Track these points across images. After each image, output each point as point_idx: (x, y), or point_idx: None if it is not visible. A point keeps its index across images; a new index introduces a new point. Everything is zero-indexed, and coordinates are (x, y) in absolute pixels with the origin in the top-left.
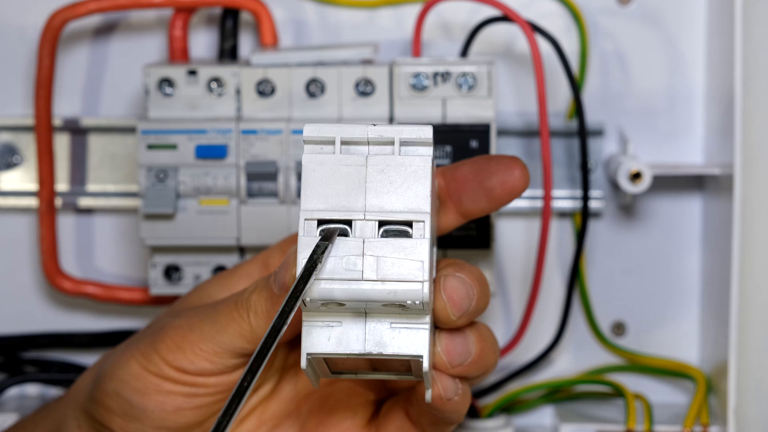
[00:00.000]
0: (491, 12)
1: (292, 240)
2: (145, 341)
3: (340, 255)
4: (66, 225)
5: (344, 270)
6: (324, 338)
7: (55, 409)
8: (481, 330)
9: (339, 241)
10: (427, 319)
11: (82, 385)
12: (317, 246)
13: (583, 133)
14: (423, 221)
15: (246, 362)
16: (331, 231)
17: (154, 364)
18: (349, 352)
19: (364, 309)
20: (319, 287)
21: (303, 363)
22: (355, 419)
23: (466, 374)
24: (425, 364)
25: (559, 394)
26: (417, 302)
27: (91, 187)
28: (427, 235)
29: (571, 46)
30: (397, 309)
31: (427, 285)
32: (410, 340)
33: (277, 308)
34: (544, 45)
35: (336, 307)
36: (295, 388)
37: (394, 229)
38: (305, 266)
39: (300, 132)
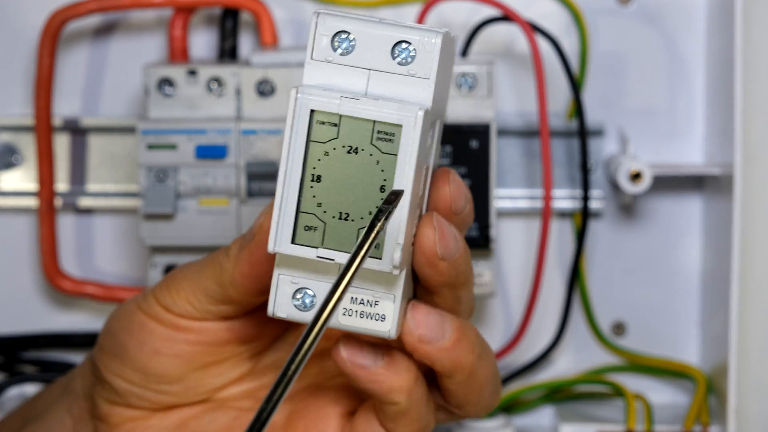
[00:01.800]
0: (491, 12)
1: None
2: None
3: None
4: (66, 225)
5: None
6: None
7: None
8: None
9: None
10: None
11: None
12: (380, 210)
13: (583, 133)
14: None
15: (223, 313)
16: (396, 193)
17: (147, 302)
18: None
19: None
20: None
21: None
22: (336, 407)
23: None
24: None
25: (559, 394)
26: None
27: (91, 187)
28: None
29: (571, 46)
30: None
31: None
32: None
33: (247, 255)
34: (544, 45)
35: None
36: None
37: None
38: (367, 231)
39: None
